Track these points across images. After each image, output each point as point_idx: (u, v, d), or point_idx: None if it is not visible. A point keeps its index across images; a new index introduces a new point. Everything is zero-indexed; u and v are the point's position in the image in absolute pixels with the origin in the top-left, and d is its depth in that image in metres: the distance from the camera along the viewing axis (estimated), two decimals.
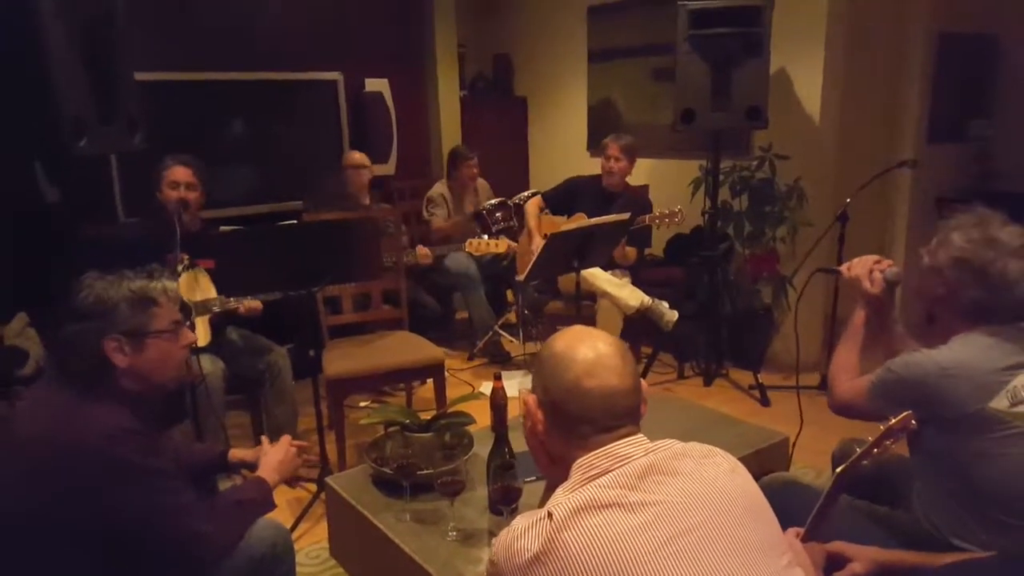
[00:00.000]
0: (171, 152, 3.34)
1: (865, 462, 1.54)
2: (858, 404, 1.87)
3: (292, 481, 2.22)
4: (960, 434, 1.64)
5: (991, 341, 1.67)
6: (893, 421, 1.52)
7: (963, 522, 1.67)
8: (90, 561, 1.63)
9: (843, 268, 2.12)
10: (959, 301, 1.72)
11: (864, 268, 2.05)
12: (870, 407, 1.80)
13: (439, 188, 5.04)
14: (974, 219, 1.74)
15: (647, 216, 4.06)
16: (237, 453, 2.22)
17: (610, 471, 1.20)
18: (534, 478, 2.07)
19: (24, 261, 3.24)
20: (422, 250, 4.55)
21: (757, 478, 1.31)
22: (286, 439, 2.21)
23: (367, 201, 4.62)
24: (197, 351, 2.98)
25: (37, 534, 1.60)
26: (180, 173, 3.29)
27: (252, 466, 2.16)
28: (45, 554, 1.61)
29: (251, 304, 3.30)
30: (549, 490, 1.38)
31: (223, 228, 3.36)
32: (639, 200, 4.39)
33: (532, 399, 1.32)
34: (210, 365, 3.11)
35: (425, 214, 5.03)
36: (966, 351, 1.68)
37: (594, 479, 1.20)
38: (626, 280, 4.26)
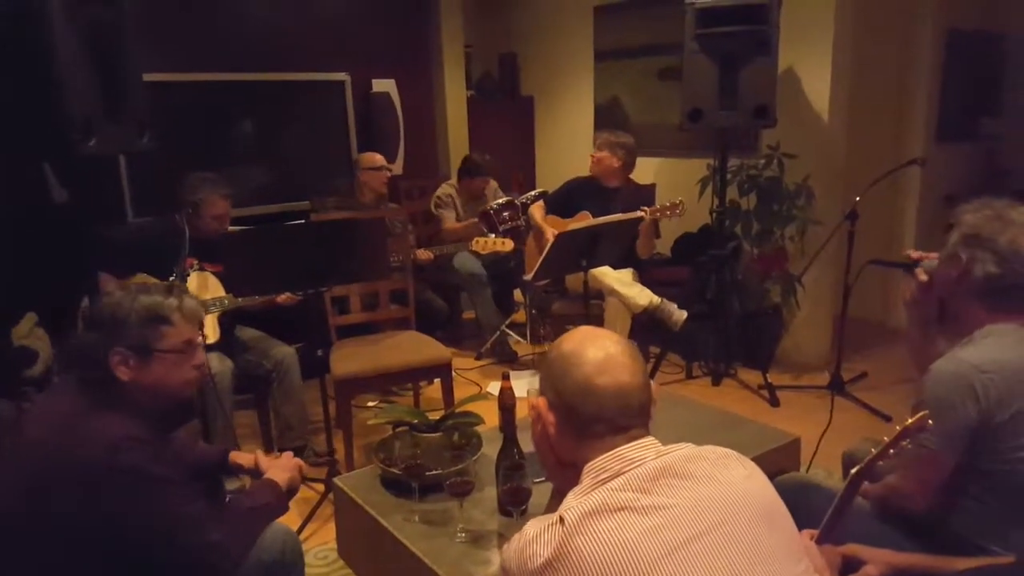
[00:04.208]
0: (179, 153, 3.37)
1: (881, 463, 1.53)
2: (929, 476, 1.70)
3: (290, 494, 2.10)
4: (997, 438, 1.60)
5: (1019, 336, 1.64)
6: (910, 421, 1.50)
7: (991, 525, 1.64)
8: (101, 570, 1.62)
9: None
10: (973, 279, 1.69)
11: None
12: (943, 462, 1.66)
13: (446, 188, 5.05)
14: (983, 202, 1.73)
15: (647, 209, 4.04)
16: (236, 457, 2.18)
17: (622, 474, 1.19)
18: (543, 479, 2.05)
19: (33, 261, 3.25)
20: (423, 253, 4.58)
21: (769, 479, 1.29)
22: (287, 454, 2.18)
23: (387, 202, 4.65)
24: (207, 349, 2.98)
25: (43, 542, 1.58)
26: (221, 207, 3.35)
27: (249, 473, 2.14)
28: (54, 562, 1.60)
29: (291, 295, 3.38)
30: (556, 495, 1.37)
31: (231, 228, 3.37)
32: (640, 195, 4.37)
33: (542, 402, 1.31)
34: (219, 364, 3.12)
35: (434, 211, 5.03)
36: (997, 348, 1.63)
37: (605, 482, 1.19)
38: (633, 278, 4.25)
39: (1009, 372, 1.60)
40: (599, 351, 1.26)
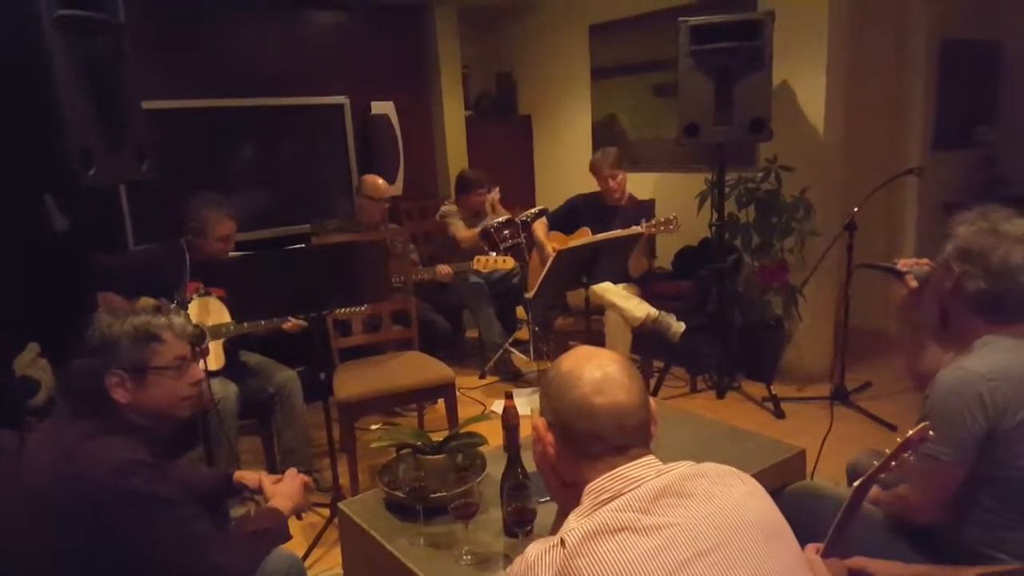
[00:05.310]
0: (180, 179, 3.39)
1: (883, 475, 1.52)
2: (939, 490, 1.70)
3: (299, 514, 2.15)
4: (1005, 445, 1.59)
5: (1016, 343, 1.65)
6: (911, 432, 1.49)
7: (1000, 532, 1.63)
8: None
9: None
10: (965, 293, 1.71)
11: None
12: (954, 474, 1.66)
13: (448, 207, 5.07)
14: (980, 213, 1.74)
15: (644, 224, 4.05)
16: (241, 477, 2.19)
17: (622, 494, 1.19)
18: (548, 498, 2.05)
19: (35, 291, 3.25)
20: (442, 268, 4.57)
21: (775, 492, 1.29)
22: (291, 471, 2.19)
23: (387, 223, 4.65)
24: (210, 375, 2.98)
25: (49, 565, 1.59)
26: (227, 227, 3.36)
27: (253, 492, 2.15)
28: None
29: (297, 322, 3.35)
30: (561, 515, 1.37)
31: (232, 253, 3.38)
32: (640, 211, 4.38)
33: (542, 422, 1.31)
34: (223, 389, 3.12)
35: (440, 220, 5.03)
36: (1000, 355, 1.64)
37: (606, 503, 1.18)
38: (634, 293, 4.25)
39: (1015, 378, 1.60)
40: (596, 371, 1.26)
